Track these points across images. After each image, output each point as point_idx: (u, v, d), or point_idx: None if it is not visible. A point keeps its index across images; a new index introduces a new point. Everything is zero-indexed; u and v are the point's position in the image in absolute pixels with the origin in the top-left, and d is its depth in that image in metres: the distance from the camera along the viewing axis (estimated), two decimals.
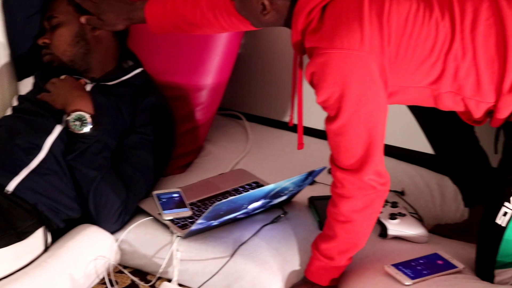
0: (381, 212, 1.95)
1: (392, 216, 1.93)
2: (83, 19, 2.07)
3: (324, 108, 1.67)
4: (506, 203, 1.68)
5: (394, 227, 1.92)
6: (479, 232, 1.77)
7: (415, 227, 1.93)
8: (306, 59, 1.72)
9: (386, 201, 2.06)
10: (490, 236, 1.72)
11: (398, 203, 2.02)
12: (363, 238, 1.76)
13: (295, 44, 1.72)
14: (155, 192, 2.04)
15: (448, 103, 1.70)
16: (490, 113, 1.71)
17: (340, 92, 1.61)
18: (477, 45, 1.62)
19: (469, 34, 1.62)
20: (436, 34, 1.62)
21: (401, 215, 1.95)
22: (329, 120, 1.67)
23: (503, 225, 1.68)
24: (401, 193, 2.19)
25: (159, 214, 1.98)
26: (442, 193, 2.20)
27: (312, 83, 1.66)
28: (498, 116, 1.68)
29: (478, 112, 1.70)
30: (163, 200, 2.01)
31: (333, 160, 1.71)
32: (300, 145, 1.88)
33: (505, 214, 1.68)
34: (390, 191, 2.13)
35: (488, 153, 2.01)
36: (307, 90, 2.56)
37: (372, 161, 1.66)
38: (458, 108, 1.71)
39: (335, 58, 1.60)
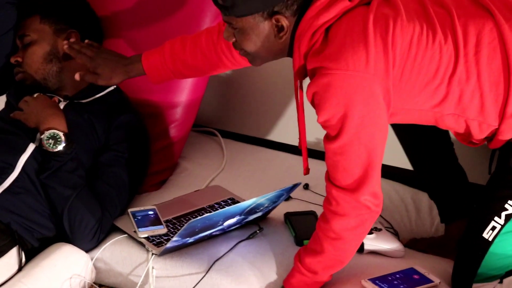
0: None
1: (369, 231, 1.94)
2: (77, 76, 2.01)
3: (325, 127, 1.66)
4: (496, 218, 1.70)
5: (371, 242, 1.93)
6: (461, 245, 1.78)
7: (391, 241, 1.94)
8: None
9: None
10: (475, 249, 1.73)
11: None
12: (349, 256, 1.76)
13: (298, 69, 1.70)
14: (130, 210, 2.03)
15: (450, 124, 1.70)
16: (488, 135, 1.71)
17: (343, 113, 1.60)
18: (481, 68, 1.62)
19: (473, 57, 1.62)
20: (440, 57, 1.62)
21: (377, 229, 1.96)
22: (329, 139, 1.65)
23: (490, 239, 1.70)
24: None
25: (135, 231, 1.96)
26: (417, 208, 2.21)
27: (313, 103, 1.65)
28: (500, 137, 1.68)
29: (479, 134, 1.70)
30: (138, 217, 2.00)
31: (329, 178, 1.70)
32: (306, 170, 1.84)
33: (493, 228, 1.70)
34: None
35: (466, 170, 2.03)
36: (282, 107, 2.58)
37: (369, 182, 1.65)
38: (459, 128, 1.71)
39: (339, 79, 1.58)
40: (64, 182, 1.95)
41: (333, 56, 1.59)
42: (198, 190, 2.22)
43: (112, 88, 2.21)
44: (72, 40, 2.12)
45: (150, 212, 2.03)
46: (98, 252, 1.95)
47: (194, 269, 1.87)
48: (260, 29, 1.65)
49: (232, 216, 1.91)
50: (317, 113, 1.63)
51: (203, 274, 1.84)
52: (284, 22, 1.64)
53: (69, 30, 2.16)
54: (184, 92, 2.33)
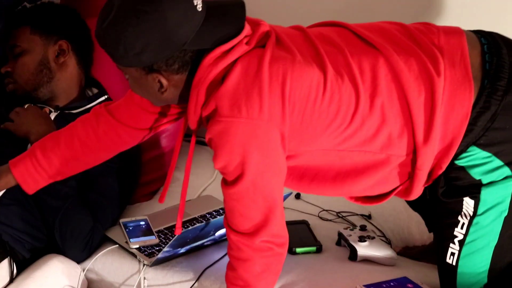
0: (350, 236, 1.96)
1: (361, 239, 1.94)
2: None
3: (222, 173, 1.63)
4: (451, 244, 1.70)
5: (364, 249, 1.93)
6: (437, 265, 1.79)
7: (384, 249, 1.94)
8: None
9: (354, 225, 2.07)
10: (445, 272, 1.74)
11: (366, 226, 2.02)
12: None
13: (192, 118, 1.62)
14: (122, 220, 2.02)
15: (356, 161, 1.66)
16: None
17: (239, 160, 1.56)
18: (382, 101, 1.59)
19: (372, 92, 1.59)
20: (340, 98, 1.58)
21: (370, 237, 1.95)
22: (226, 184, 1.62)
23: (454, 264, 1.71)
24: (368, 217, 2.19)
25: (126, 242, 1.96)
26: (409, 216, 2.21)
27: (211, 147, 1.61)
28: (419, 172, 1.65)
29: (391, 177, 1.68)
30: (130, 228, 2.00)
31: (227, 222, 1.67)
32: (178, 230, 1.77)
33: (452, 254, 1.71)
34: (358, 215, 2.18)
35: None
36: None
37: (268, 226, 1.62)
38: (370, 168, 1.67)
39: (233, 127, 1.54)
40: (55, 193, 1.94)
41: (226, 102, 1.54)
42: (190, 200, 2.22)
43: (103, 98, 2.20)
44: (63, 56, 2.13)
45: (142, 223, 2.03)
46: (90, 263, 1.94)
47: (185, 277, 1.86)
48: (143, 81, 1.61)
49: (224, 226, 1.91)
50: (213, 159, 1.59)
51: (193, 282, 1.84)
52: (163, 80, 1.59)
53: (60, 40, 2.16)
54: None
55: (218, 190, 2.28)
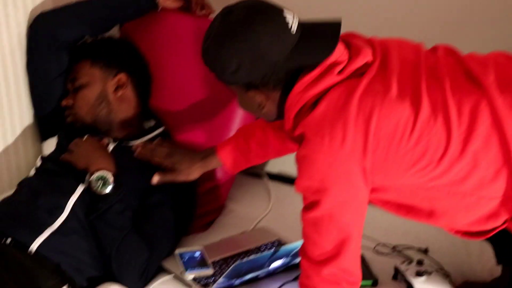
0: (407, 270, 1.93)
1: (419, 273, 1.90)
2: (155, 180, 2.04)
3: (303, 197, 1.65)
4: None
5: (421, 285, 1.89)
6: None
7: (442, 284, 1.90)
8: None
9: (412, 259, 2.04)
10: None
11: (424, 260, 1.99)
12: None
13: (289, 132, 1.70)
14: (178, 251, 2.03)
15: (446, 203, 1.64)
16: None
17: (317, 187, 1.58)
18: (477, 148, 1.56)
19: (467, 137, 1.56)
20: (429, 139, 1.56)
21: (428, 272, 1.92)
22: (305, 209, 1.64)
23: None
24: (425, 251, 2.15)
25: (182, 272, 1.96)
26: (468, 251, 2.17)
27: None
28: None
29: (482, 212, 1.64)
30: (186, 258, 2.00)
31: (302, 248, 1.68)
32: None
33: None
34: (415, 248, 2.14)
35: None
36: None
37: (338, 258, 1.61)
38: (454, 209, 1.65)
39: (315, 154, 1.58)
40: (112, 223, 1.97)
41: (312, 129, 1.58)
42: (245, 231, 2.22)
43: (160, 130, 2.23)
44: (122, 89, 2.17)
45: (197, 253, 2.03)
46: None
47: None
48: (245, 97, 1.71)
49: (279, 258, 1.91)
50: (295, 181, 1.63)
51: None
52: (261, 97, 1.67)
53: (119, 73, 2.20)
54: (231, 134, 2.34)
55: (274, 222, 2.30)
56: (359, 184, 1.58)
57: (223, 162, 2.02)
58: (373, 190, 1.64)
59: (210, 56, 1.67)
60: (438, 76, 1.62)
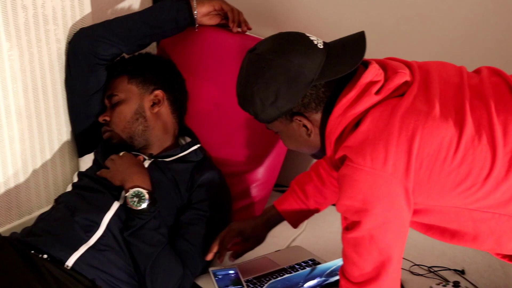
0: None
1: None
2: (231, 259, 2.06)
3: (343, 217, 1.63)
4: None
5: None
6: None
7: None
8: None
9: (447, 280, 2.02)
10: None
11: (460, 282, 1.97)
12: None
13: (330, 161, 1.71)
14: (212, 269, 2.03)
15: (491, 223, 1.60)
16: None
17: (358, 207, 1.56)
18: None
19: None
20: (473, 160, 1.54)
21: None
22: (345, 229, 1.63)
23: None
24: (461, 272, 2.13)
25: None
26: (506, 273, 2.14)
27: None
28: None
29: None
30: (219, 276, 2.00)
31: (341, 269, 1.66)
32: None
33: None
34: (451, 269, 2.12)
35: None
36: None
37: (378, 281, 1.59)
38: (500, 231, 1.61)
39: (356, 173, 1.56)
40: (147, 240, 1.97)
41: (354, 149, 1.57)
42: (279, 250, 2.21)
43: (195, 147, 2.23)
44: (158, 105, 2.19)
45: (231, 272, 2.03)
46: None
47: None
48: (290, 131, 1.70)
49: (313, 278, 1.89)
50: (336, 201, 1.62)
51: None
52: (306, 123, 1.66)
53: (155, 90, 2.22)
54: (267, 152, 2.34)
55: (307, 240, 2.29)
56: (401, 205, 1.56)
57: (286, 218, 2.04)
58: (415, 212, 1.62)
59: (247, 96, 1.66)
60: (482, 96, 1.60)
